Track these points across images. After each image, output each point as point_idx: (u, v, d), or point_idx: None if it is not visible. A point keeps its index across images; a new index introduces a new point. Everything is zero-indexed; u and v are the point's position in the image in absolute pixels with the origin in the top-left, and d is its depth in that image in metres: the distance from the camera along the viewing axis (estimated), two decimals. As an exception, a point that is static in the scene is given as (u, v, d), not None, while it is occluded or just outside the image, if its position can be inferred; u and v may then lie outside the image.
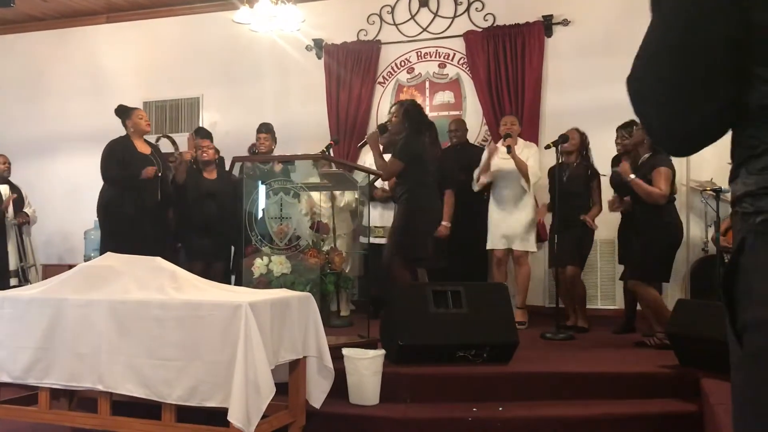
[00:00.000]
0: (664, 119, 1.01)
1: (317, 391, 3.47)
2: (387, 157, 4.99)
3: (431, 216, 4.98)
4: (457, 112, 6.91)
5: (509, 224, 5.56)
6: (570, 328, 5.33)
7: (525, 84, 6.63)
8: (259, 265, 4.17)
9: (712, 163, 5.72)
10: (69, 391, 3.48)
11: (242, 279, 4.40)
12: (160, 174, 5.60)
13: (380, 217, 5.95)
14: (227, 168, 5.74)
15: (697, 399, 3.59)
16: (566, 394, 3.78)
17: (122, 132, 5.73)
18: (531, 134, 6.36)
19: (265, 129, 6.28)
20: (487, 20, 6.87)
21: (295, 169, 5.02)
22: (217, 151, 6.08)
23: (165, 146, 6.17)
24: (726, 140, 1.05)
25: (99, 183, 5.73)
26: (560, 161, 5.26)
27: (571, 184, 5.33)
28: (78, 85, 8.05)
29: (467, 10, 6.96)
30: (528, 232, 5.57)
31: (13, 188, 6.64)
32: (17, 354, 3.33)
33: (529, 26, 6.69)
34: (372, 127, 6.62)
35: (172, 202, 5.81)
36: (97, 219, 5.93)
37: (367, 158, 6.44)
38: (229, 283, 5.44)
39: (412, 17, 7.14)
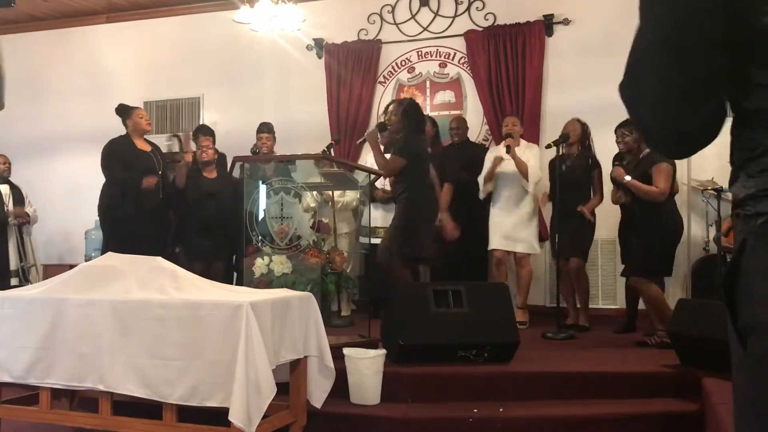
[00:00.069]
0: (662, 120, 1.01)
1: (318, 390, 3.47)
2: (386, 156, 4.99)
3: (431, 215, 4.98)
4: (457, 112, 6.90)
5: (510, 225, 5.54)
6: (571, 327, 5.33)
7: (526, 83, 6.63)
8: (259, 264, 4.17)
9: (713, 162, 5.72)
10: (70, 391, 3.49)
11: (243, 279, 4.41)
12: (160, 172, 5.62)
13: (382, 218, 5.95)
14: (229, 167, 5.73)
15: (698, 398, 3.58)
16: (567, 394, 3.78)
17: (123, 132, 5.73)
18: (532, 133, 6.36)
19: (267, 129, 6.28)
20: (487, 20, 6.87)
21: (296, 168, 5.02)
22: (216, 151, 6.07)
23: (173, 145, 6.17)
24: (727, 139, 1.05)
25: (99, 183, 5.74)
26: (561, 153, 5.27)
27: (572, 173, 5.31)
28: (78, 85, 8.05)
29: (468, 9, 6.96)
30: (530, 234, 5.57)
31: (14, 188, 6.64)
32: (18, 354, 3.33)
33: (529, 26, 6.68)
34: (372, 127, 6.61)
35: (172, 202, 5.80)
36: (97, 219, 5.94)
37: (368, 158, 6.44)
38: (230, 282, 5.44)
39: (413, 17, 7.14)
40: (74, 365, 3.22)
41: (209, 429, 3.04)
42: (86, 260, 6.30)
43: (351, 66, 7.17)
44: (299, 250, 4.24)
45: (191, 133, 6.15)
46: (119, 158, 5.55)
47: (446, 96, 7.06)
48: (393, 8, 7.19)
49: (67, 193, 7.75)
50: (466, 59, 6.92)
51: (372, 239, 5.71)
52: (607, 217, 5.55)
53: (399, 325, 4.03)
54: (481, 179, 5.65)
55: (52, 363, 3.27)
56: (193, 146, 5.97)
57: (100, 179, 5.72)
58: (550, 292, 6.20)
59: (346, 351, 3.71)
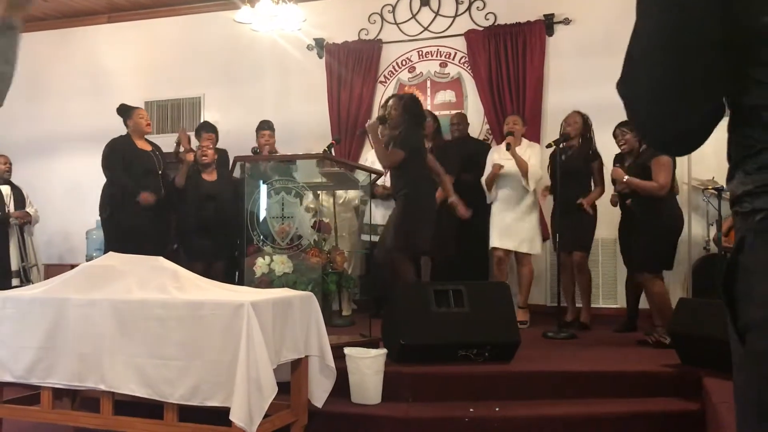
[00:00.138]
0: (661, 120, 1.01)
1: (319, 390, 3.47)
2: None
3: (431, 211, 4.96)
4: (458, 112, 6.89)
5: (511, 224, 5.54)
6: (571, 324, 5.34)
7: (526, 83, 6.63)
8: (260, 264, 4.18)
9: (713, 161, 5.71)
10: (72, 390, 3.49)
11: (244, 278, 4.41)
12: (160, 172, 5.63)
13: (382, 217, 5.94)
14: (232, 165, 5.73)
15: (699, 398, 3.58)
16: (568, 393, 3.78)
17: (123, 132, 5.74)
18: (532, 133, 6.35)
19: (268, 126, 6.28)
20: (488, 19, 6.87)
21: (296, 168, 5.03)
22: (217, 150, 6.07)
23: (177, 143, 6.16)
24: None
25: (100, 183, 5.74)
26: (561, 146, 5.27)
27: (572, 162, 5.31)
28: (79, 85, 8.05)
29: (468, 9, 6.96)
30: (531, 233, 5.56)
31: (15, 188, 6.64)
32: (20, 354, 3.34)
33: (530, 25, 6.68)
34: (373, 119, 6.61)
35: (173, 202, 5.80)
36: (98, 219, 5.94)
37: (368, 156, 6.45)
38: (231, 282, 5.45)
39: (414, 16, 7.14)
40: (75, 365, 3.22)
41: (210, 429, 3.04)
42: (87, 260, 6.30)
43: (351, 66, 7.17)
44: (300, 249, 4.25)
45: (186, 131, 6.16)
46: (120, 158, 5.56)
47: (447, 96, 7.06)
48: (394, 8, 7.19)
49: (68, 193, 7.75)
50: (467, 59, 6.92)
51: (372, 237, 5.72)
52: (607, 216, 5.55)
53: (400, 324, 4.03)
54: (483, 183, 5.65)
55: (53, 363, 3.27)
56: (193, 143, 5.97)
57: (101, 179, 5.73)
58: (551, 292, 6.20)
59: (347, 350, 3.71)
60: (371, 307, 5.47)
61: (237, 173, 5.32)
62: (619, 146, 5.14)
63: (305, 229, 4.47)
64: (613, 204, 5.33)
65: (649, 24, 0.99)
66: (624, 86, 1.02)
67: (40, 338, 3.29)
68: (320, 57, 7.33)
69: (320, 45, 7.31)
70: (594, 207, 5.42)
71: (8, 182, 6.67)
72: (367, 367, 3.65)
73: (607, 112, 5.35)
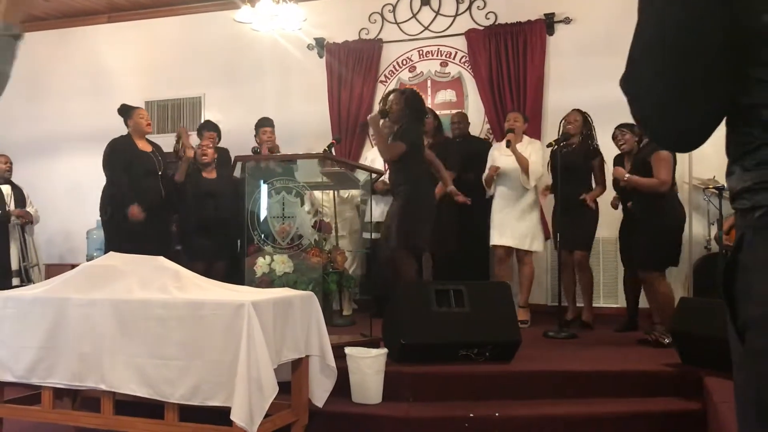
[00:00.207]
0: (663, 118, 1.01)
1: (320, 390, 3.47)
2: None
3: (430, 209, 4.96)
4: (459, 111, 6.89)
5: (512, 222, 5.53)
6: (571, 323, 5.33)
7: (527, 82, 6.63)
8: (261, 264, 4.18)
9: (714, 160, 5.70)
10: (72, 390, 3.49)
11: (244, 278, 4.41)
12: (161, 172, 5.63)
13: (381, 214, 5.93)
14: (232, 164, 5.74)
15: (700, 397, 3.58)
16: (569, 393, 3.78)
17: (124, 132, 5.74)
18: (533, 133, 6.34)
19: (269, 123, 6.28)
20: (488, 18, 6.87)
21: (297, 168, 5.03)
22: (217, 150, 6.07)
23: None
24: (728, 137, 1.05)
25: (100, 182, 5.74)
26: (562, 143, 5.28)
27: (572, 158, 5.31)
28: (79, 85, 8.05)
29: (469, 8, 6.96)
30: (533, 232, 5.55)
31: (15, 188, 6.64)
32: (20, 353, 3.34)
33: (530, 24, 6.68)
34: (375, 112, 6.61)
35: (173, 201, 5.80)
36: (99, 218, 5.94)
37: (368, 155, 6.45)
38: (232, 282, 5.44)
39: (414, 16, 7.14)
40: (76, 365, 3.22)
41: (211, 429, 3.04)
42: (88, 260, 6.31)
43: (352, 65, 7.17)
44: (301, 249, 4.25)
45: (186, 129, 6.17)
46: (121, 159, 5.56)
47: (447, 95, 7.06)
48: (394, 7, 7.19)
49: (69, 193, 7.75)
50: (468, 58, 6.92)
51: (373, 235, 5.72)
52: (608, 216, 5.55)
53: (401, 324, 4.03)
54: (484, 179, 5.65)
55: (54, 363, 3.27)
56: (195, 142, 5.97)
57: (102, 179, 5.72)
58: (552, 291, 6.19)
59: (347, 350, 3.71)
60: (372, 307, 5.47)
61: (237, 173, 5.33)
62: (619, 147, 5.14)
63: (306, 229, 4.47)
64: (614, 207, 5.34)
65: (650, 23, 0.99)
66: (627, 84, 1.03)
67: (41, 338, 3.29)
68: (321, 56, 7.33)
69: (321, 44, 7.31)
70: (596, 204, 5.42)
71: (9, 182, 6.67)
72: (368, 366, 3.65)
73: (608, 112, 5.35)
